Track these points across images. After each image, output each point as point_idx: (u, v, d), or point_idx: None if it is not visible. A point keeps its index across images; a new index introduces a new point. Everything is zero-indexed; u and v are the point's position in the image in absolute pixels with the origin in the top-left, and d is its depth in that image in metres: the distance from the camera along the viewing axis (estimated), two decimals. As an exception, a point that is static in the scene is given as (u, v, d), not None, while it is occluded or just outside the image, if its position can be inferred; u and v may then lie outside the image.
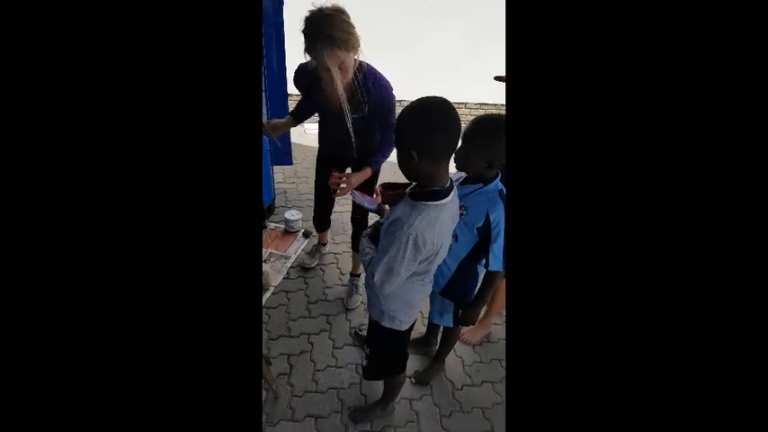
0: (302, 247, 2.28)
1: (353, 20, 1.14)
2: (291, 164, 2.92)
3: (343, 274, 2.09)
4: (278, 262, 2.16)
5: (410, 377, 1.51)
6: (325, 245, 2.22)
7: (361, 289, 1.93)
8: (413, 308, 1.07)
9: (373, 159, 1.41)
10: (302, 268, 2.10)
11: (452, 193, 0.89)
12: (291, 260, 2.18)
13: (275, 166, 2.65)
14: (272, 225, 2.46)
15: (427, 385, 1.51)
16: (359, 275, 1.97)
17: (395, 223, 0.86)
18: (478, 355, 1.66)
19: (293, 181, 3.02)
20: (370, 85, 1.29)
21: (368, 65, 1.29)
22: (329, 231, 2.19)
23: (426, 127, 0.79)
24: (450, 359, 1.59)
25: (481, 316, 1.74)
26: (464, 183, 1.13)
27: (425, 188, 0.87)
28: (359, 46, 1.17)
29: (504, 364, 1.57)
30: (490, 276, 1.16)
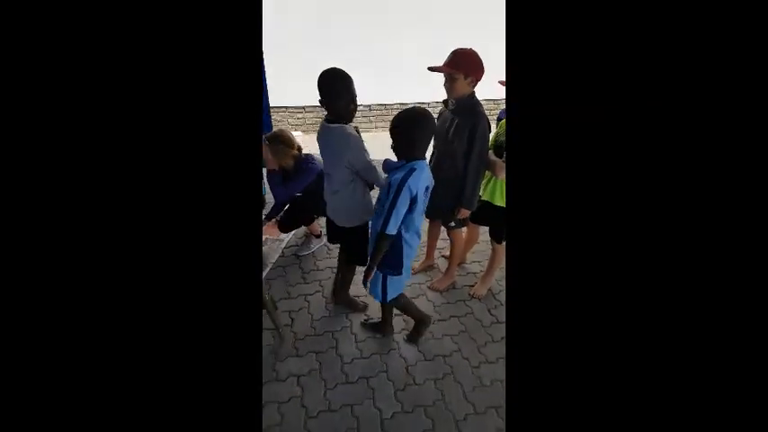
0: (293, 232, 2.63)
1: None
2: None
3: (330, 250, 2.45)
4: (273, 244, 2.50)
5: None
6: (318, 236, 2.58)
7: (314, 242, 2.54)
8: None
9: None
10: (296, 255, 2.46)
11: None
12: (285, 242, 2.52)
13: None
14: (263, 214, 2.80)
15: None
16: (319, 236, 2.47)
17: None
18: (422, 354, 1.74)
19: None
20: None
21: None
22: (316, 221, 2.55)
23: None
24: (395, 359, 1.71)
25: (446, 268, 2.12)
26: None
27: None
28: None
29: (447, 360, 1.70)
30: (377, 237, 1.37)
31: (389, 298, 1.53)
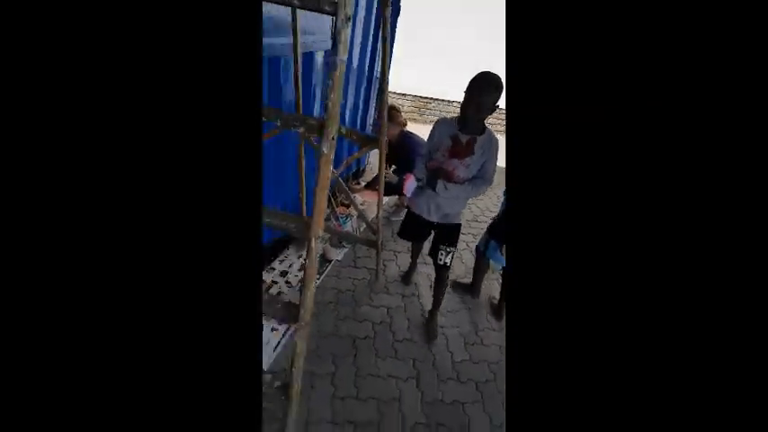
0: (386, 200, 2.98)
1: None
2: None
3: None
4: (372, 206, 2.87)
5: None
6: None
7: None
8: None
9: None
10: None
11: None
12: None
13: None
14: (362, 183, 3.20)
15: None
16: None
17: (494, 146, 1.40)
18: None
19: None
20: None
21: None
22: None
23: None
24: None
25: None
26: None
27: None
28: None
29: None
30: None
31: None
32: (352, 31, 2.23)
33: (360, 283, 2.07)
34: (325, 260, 2.21)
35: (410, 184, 1.53)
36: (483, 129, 1.41)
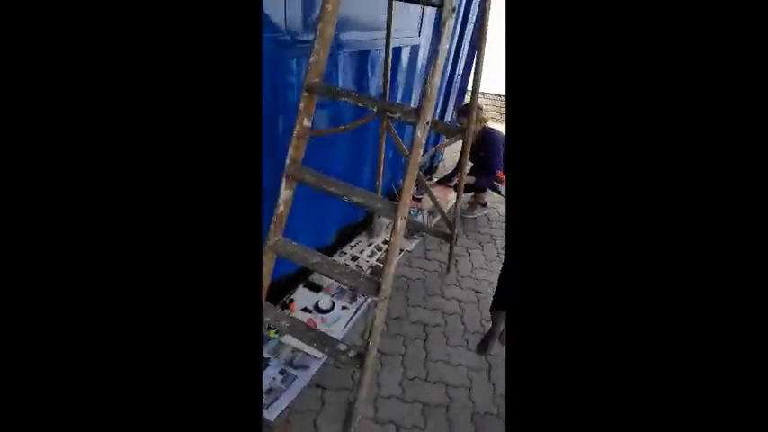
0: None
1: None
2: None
3: (490, 221, 2.70)
4: (447, 203, 2.89)
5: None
6: (484, 205, 2.87)
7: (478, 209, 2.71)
8: None
9: None
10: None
11: None
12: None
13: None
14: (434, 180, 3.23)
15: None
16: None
17: None
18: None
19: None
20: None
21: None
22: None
23: None
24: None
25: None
26: None
27: None
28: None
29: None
30: None
31: None
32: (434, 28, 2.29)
33: (431, 275, 2.11)
34: (396, 249, 2.29)
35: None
36: None
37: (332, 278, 1.10)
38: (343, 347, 1.14)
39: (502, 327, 1.62)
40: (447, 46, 0.82)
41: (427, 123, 0.91)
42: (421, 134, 0.91)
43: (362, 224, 2.34)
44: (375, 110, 1.09)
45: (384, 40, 1.54)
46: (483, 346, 1.64)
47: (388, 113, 1.06)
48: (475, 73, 1.46)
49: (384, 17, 1.46)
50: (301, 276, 1.84)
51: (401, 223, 1.01)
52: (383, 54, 1.61)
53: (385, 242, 2.27)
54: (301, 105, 1.03)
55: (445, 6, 0.78)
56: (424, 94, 0.87)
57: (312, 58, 1.00)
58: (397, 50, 1.92)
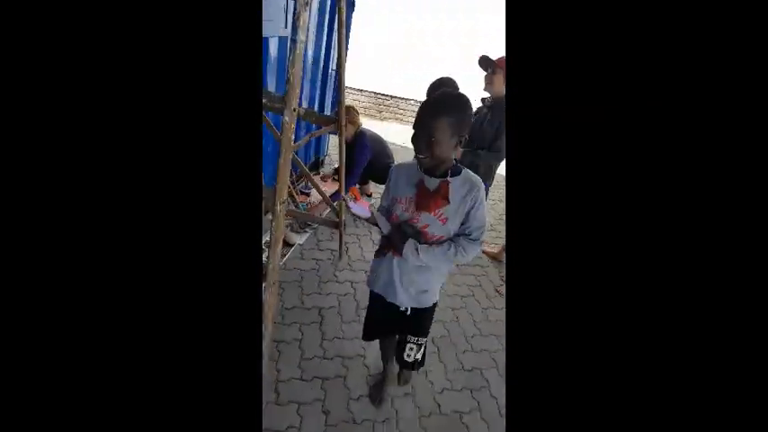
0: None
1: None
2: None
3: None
4: (321, 205, 2.99)
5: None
6: (369, 195, 3.05)
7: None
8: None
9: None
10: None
11: None
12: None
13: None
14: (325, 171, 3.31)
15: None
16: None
17: (476, 190, 0.97)
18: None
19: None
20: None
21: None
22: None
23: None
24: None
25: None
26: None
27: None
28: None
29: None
30: None
31: None
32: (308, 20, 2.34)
33: (324, 263, 2.18)
34: (286, 245, 2.30)
35: (357, 207, 1.12)
36: (457, 169, 1.00)
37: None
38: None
39: (395, 369, 1.41)
40: (304, 37, 0.90)
41: (294, 109, 0.97)
42: (289, 119, 0.97)
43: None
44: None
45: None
46: (377, 393, 1.44)
47: (256, 102, 1.09)
48: (338, 67, 1.55)
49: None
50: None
51: (282, 210, 1.06)
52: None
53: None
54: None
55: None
56: (287, 81, 0.93)
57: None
58: (265, 41, 1.93)
